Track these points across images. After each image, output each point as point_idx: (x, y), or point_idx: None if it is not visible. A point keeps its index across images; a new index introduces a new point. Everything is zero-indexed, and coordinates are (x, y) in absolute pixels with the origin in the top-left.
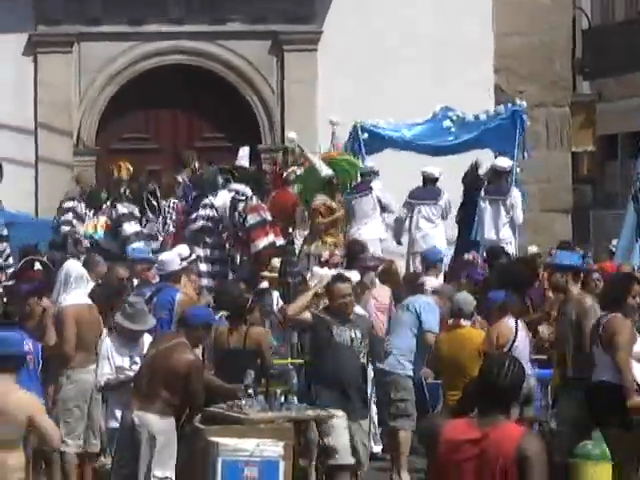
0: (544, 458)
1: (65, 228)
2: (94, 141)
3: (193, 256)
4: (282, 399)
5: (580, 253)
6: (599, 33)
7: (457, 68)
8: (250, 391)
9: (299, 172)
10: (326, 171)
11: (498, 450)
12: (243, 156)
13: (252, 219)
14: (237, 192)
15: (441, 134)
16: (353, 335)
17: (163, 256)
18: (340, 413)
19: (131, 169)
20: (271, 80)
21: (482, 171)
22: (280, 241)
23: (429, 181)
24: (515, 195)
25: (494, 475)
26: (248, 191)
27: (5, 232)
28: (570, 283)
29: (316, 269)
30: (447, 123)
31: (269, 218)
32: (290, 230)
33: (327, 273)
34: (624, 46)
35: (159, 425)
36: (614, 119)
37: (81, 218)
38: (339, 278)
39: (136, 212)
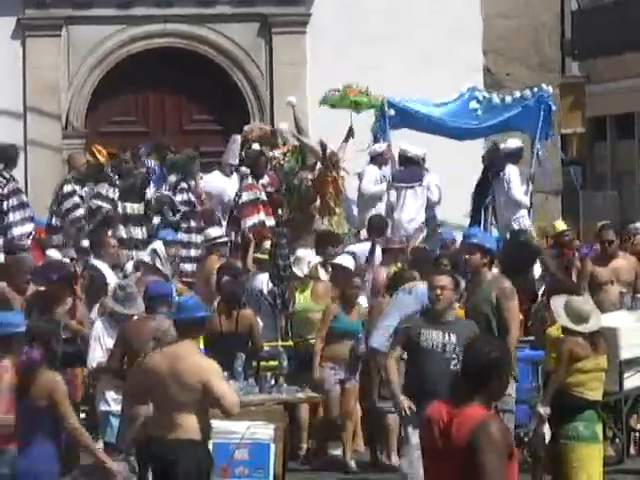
0: (497, 445)
1: (77, 213)
2: (83, 124)
3: (224, 238)
4: (273, 382)
5: (495, 237)
6: (588, 14)
7: (445, 50)
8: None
9: (286, 156)
10: (318, 147)
11: (458, 433)
12: (234, 149)
13: (246, 196)
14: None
15: (467, 116)
16: (446, 340)
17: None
18: None
19: (104, 152)
20: (260, 63)
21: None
22: (270, 221)
23: (409, 161)
24: (509, 170)
25: (455, 458)
26: (247, 170)
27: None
28: (488, 265)
29: (300, 252)
30: (474, 104)
31: (263, 198)
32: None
33: (312, 258)
34: (613, 27)
35: None
36: (603, 101)
37: (82, 200)
38: (438, 270)
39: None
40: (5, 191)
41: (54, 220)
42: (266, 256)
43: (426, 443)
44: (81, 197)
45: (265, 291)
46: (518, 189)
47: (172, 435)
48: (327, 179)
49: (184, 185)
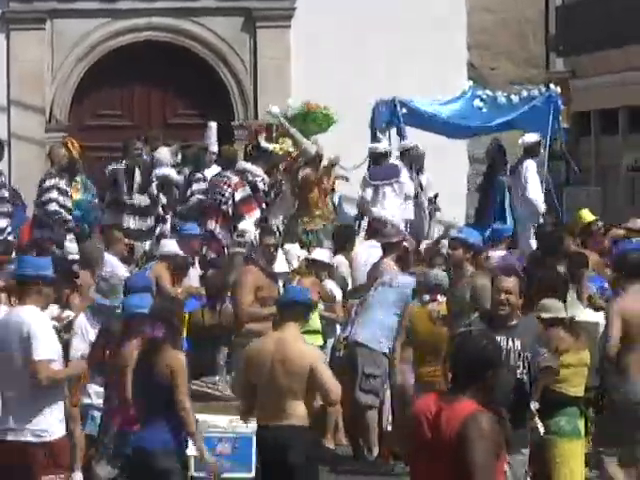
0: (486, 439)
1: (51, 207)
2: (67, 118)
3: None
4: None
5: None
6: (572, 10)
7: (430, 45)
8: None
9: (279, 148)
10: (312, 148)
11: (447, 427)
12: (210, 136)
13: (241, 193)
14: (249, 171)
15: (473, 114)
16: (510, 346)
17: (165, 241)
18: None
19: (77, 145)
20: (244, 57)
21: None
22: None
23: (381, 157)
24: (527, 166)
25: (444, 451)
26: (258, 170)
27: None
28: (470, 261)
29: (288, 247)
30: (477, 103)
31: (251, 193)
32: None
33: (299, 252)
34: (598, 23)
35: None
36: (588, 96)
37: (66, 193)
38: (505, 270)
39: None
40: None
41: (37, 211)
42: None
43: (415, 437)
44: (62, 191)
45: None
46: (534, 187)
47: (280, 422)
48: (312, 180)
49: (199, 175)
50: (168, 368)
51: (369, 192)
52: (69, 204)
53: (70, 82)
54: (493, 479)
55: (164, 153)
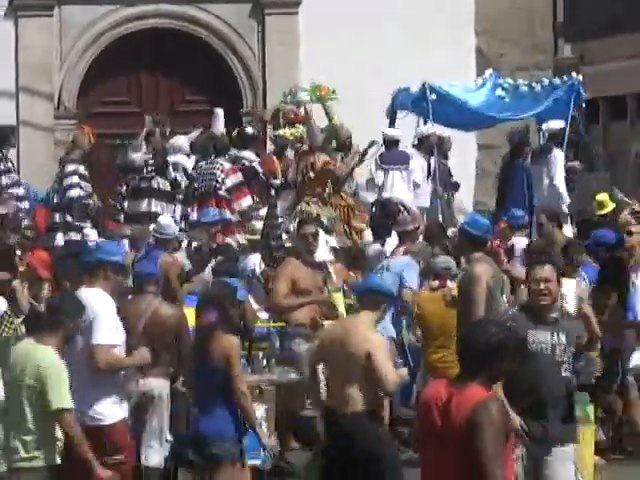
0: (495, 425)
1: (73, 192)
2: (75, 104)
3: None
4: (264, 362)
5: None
6: None
7: (438, 31)
8: None
9: (289, 133)
10: (347, 131)
11: (457, 413)
12: (217, 123)
13: (234, 179)
14: (237, 158)
15: (496, 104)
16: (555, 340)
17: (162, 220)
18: None
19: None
20: (252, 43)
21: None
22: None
23: (393, 144)
24: (556, 155)
25: (454, 438)
26: (254, 157)
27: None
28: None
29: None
30: (499, 92)
31: (243, 180)
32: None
33: (326, 239)
34: (606, 9)
35: (166, 388)
36: (596, 82)
37: (86, 178)
38: (537, 261)
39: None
40: None
41: (55, 198)
42: (257, 237)
43: (424, 424)
44: (82, 176)
45: (257, 272)
46: (561, 178)
47: (345, 409)
48: (329, 168)
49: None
50: (223, 353)
51: (380, 175)
52: (90, 189)
53: (78, 69)
54: (502, 466)
55: (182, 141)
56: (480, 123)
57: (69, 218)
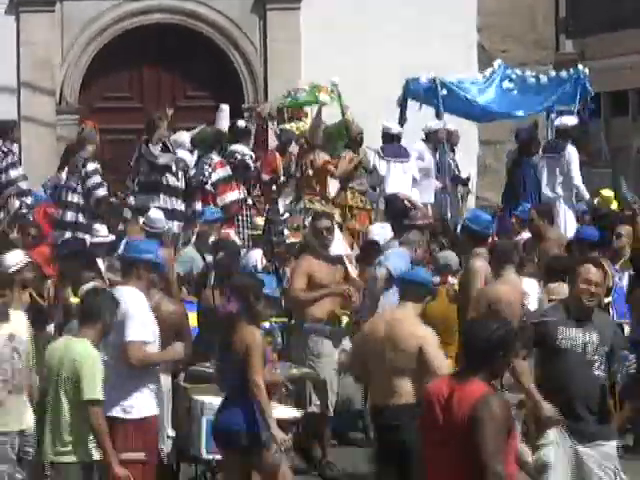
0: (497, 421)
1: (101, 192)
2: (77, 100)
3: None
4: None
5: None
6: None
7: (440, 26)
8: None
9: (295, 128)
10: (358, 127)
11: (459, 408)
12: (222, 118)
13: (221, 172)
14: (232, 152)
15: (504, 98)
16: (587, 339)
17: (152, 213)
18: None
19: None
20: (254, 38)
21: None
22: (241, 197)
23: (393, 139)
24: (570, 152)
25: (455, 433)
26: (247, 151)
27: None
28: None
29: None
30: (507, 84)
31: (230, 174)
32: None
33: None
34: (607, 4)
35: (167, 384)
36: (598, 78)
37: (102, 175)
38: (592, 260)
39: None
40: (3, 164)
41: (69, 196)
42: (259, 232)
43: (426, 419)
44: (101, 173)
45: (259, 267)
46: (578, 174)
47: (392, 401)
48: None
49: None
50: (243, 344)
51: (383, 165)
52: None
53: (80, 64)
54: (503, 461)
55: (184, 137)
56: (487, 119)
57: (81, 218)
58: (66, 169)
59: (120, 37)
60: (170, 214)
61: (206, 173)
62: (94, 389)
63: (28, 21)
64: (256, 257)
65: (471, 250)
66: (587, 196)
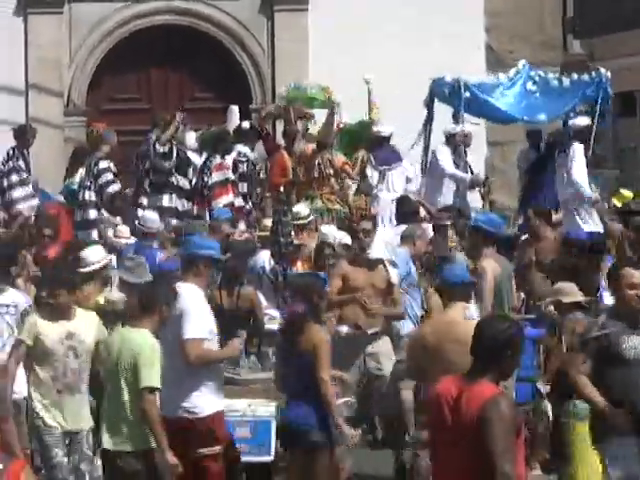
0: (506, 421)
1: (115, 187)
2: (85, 101)
3: None
4: (274, 359)
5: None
6: None
7: (447, 27)
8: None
9: (310, 126)
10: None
11: (467, 409)
12: (232, 119)
13: (216, 177)
14: (239, 153)
15: (527, 100)
16: None
17: (146, 213)
18: None
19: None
20: (262, 40)
21: None
22: (239, 201)
23: (385, 141)
24: (575, 149)
25: (464, 434)
26: (250, 153)
27: None
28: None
29: (325, 229)
30: (530, 86)
31: (232, 177)
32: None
33: (337, 234)
34: (615, 5)
35: None
36: None
37: (116, 174)
38: (630, 263)
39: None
40: (5, 168)
41: (87, 195)
42: (267, 233)
43: (435, 420)
44: (115, 174)
45: (267, 268)
46: (580, 170)
47: None
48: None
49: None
50: (310, 343)
51: (375, 175)
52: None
53: (88, 66)
54: (512, 461)
55: (190, 138)
56: (510, 121)
57: (105, 214)
58: (80, 172)
59: (128, 39)
60: (178, 214)
61: (205, 177)
62: (151, 377)
63: (36, 22)
64: (264, 258)
65: (481, 251)
66: (589, 194)
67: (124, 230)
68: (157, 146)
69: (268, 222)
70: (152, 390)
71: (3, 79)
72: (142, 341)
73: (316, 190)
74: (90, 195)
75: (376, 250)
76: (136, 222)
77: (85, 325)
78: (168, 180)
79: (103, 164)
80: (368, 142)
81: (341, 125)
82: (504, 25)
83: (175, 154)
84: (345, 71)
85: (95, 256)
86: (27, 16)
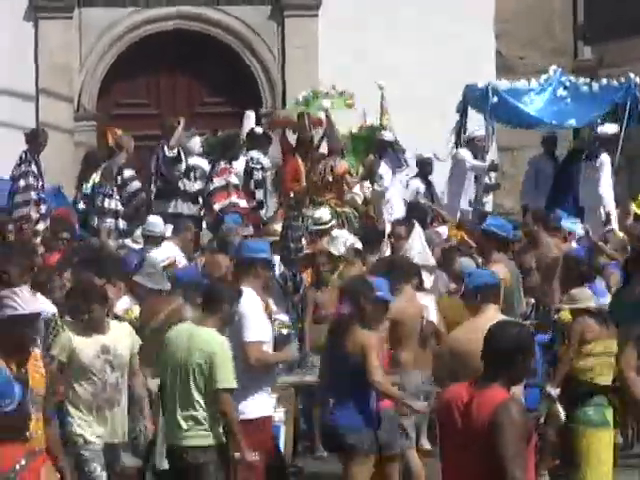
0: (517, 426)
1: (143, 196)
2: (95, 106)
3: None
4: (281, 365)
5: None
6: None
7: (457, 33)
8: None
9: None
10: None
11: (478, 414)
12: (248, 125)
13: (217, 182)
14: (252, 159)
15: (557, 106)
16: None
17: (151, 218)
18: None
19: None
20: (272, 45)
21: None
22: (243, 203)
23: (388, 146)
24: (603, 160)
25: (474, 439)
26: (263, 158)
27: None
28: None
29: (336, 233)
30: (561, 92)
31: (234, 182)
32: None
33: (349, 238)
34: (626, 11)
35: None
36: None
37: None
38: None
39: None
40: (17, 173)
41: (107, 202)
42: (277, 238)
43: (445, 425)
44: (138, 179)
45: (277, 273)
46: (607, 184)
47: None
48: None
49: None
50: (356, 345)
51: (388, 176)
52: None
53: (98, 71)
54: (524, 467)
55: (195, 142)
56: (539, 127)
57: (121, 225)
58: (94, 176)
59: (138, 44)
60: (185, 220)
61: (208, 183)
62: (228, 377)
63: (46, 27)
64: (274, 263)
65: (491, 255)
66: (609, 207)
67: (157, 221)
68: (166, 150)
69: (278, 227)
70: (229, 390)
71: (14, 84)
72: (212, 341)
73: (321, 196)
74: (110, 203)
75: (418, 256)
76: (141, 227)
77: (120, 337)
78: (176, 186)
79: (128, 172)
80: (374, 147)
81: (365, 125)
82: (514, 31)
83: (184, 158)
84: (356, 76)
85: (162, 254)
86: (37, 21)
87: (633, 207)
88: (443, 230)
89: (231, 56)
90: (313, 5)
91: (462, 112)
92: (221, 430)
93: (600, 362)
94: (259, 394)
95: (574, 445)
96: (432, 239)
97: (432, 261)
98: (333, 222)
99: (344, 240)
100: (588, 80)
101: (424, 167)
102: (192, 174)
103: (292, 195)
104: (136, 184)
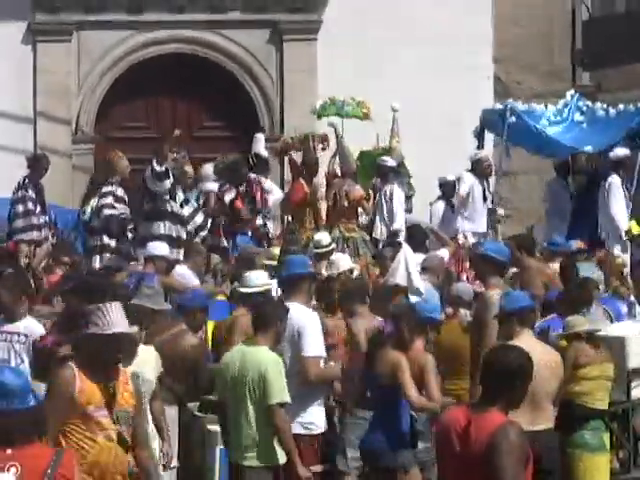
0: (515, 450)
1: (107, 211)
2: (93, 129)
3: None
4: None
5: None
6: (599, 24)
7: (456, 58)
8: None
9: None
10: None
11: (476, 439)
12: (258, 147)
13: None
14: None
15: (573, 131)
16: None
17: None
18: None
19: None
20: (270, 69)
21: None
22: (245, 213)
23: (388, 172)
24: (611, 181)
25: (473, 463)
26: (264, 180)
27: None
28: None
29: (336, 257)
30: (578, 117)
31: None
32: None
33: (346, 262)
34: (624, 37)
35: (171, 414)
36: None
37: (123, 200)
38: None
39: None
40: (14, 198)
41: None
42: (274, 262)
43: (444, 449)
44: (119, 199)
45: (275, 297)
46: (618, 204)
47: (537, 427)
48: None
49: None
50: (387, 366)
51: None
52: (127, 212)
53: (96, 94)
54: None
55: (208, 169)
56: (554, 151)
57: (106, 240)
58: (92, 202)
59: (136, 67)
60: (174, 242)
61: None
62: (281, 392)
63: (44, 50)
64: (273, 286)
65: (488, 279)
66: (620, 229)
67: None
68: (154, 164)
69: (277, 250)
70: (283, 405)
71: (12, 107)
72: (266, 358)
73: (333, 220)
74: (94, 220)
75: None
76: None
77: (146, 363)
78: (163, 207)
79: (106, 188)
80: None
81: (397, 139)
82: (512, 56)
83: (171, 175)
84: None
85: (257, 280)
86: (36, 44)
87: (632, 224)
88: (444, 253)
89: (230, 80)
90: (312, 29)
91: (479, 136)
92: (276, 448)
93: (596, 386)
94: (318, 409)
95: (570, 470)
96: (436, 264)
97: (418, 284)
98: (333, 245)
99: (339, 265)
100: (605, 105)
101: (447, 189)
102: (176, 194)
103: (291, 219)
104: (107, 199)
